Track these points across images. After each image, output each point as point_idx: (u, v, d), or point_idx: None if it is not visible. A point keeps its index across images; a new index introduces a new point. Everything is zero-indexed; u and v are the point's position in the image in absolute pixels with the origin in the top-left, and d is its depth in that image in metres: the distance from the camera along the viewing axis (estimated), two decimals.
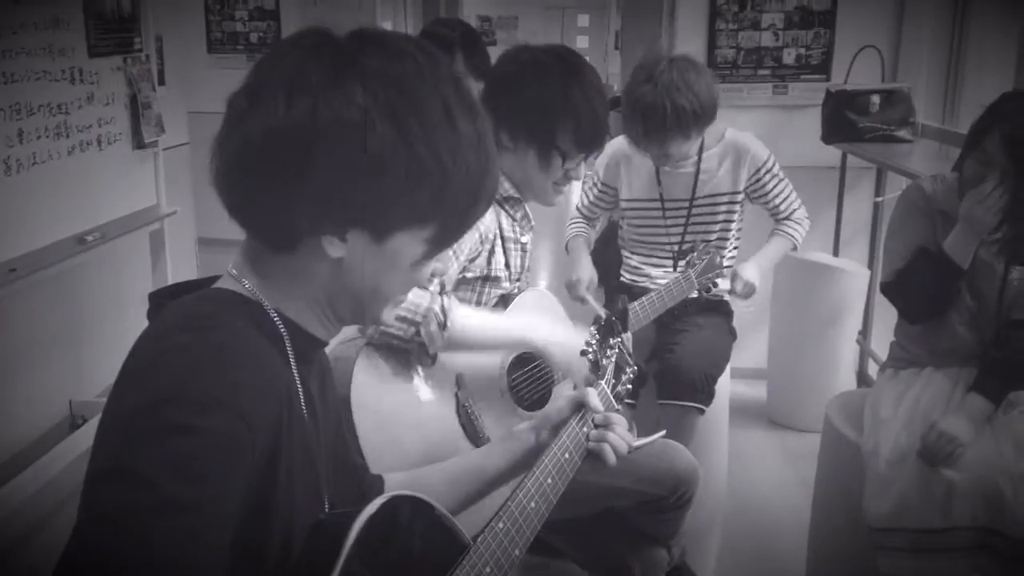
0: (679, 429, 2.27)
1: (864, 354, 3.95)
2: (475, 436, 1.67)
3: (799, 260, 3.71)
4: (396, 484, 1.29)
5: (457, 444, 1.64)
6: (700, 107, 2.35)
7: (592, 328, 1.44)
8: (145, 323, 0.97)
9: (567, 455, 1.24)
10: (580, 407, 1.30)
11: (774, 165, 2.59)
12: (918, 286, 2.08)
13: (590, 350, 1.40)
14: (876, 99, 3.61)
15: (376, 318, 1.02)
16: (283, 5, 6.32)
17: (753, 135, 2.63)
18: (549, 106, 1.75)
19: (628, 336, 1.95)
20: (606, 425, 1.29)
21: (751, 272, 2.47)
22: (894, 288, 2.14)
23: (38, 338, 3.35)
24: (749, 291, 2.48)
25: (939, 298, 2.06)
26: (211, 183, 0.95)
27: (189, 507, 0.77)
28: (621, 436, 1.29)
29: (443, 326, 1.58)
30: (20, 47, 2.64)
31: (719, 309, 2.61)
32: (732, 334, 2.63)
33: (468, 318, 1.64)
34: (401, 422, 1.59)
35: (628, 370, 1.44)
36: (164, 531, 0.75)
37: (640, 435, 2.01)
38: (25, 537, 2.85)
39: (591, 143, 1.81)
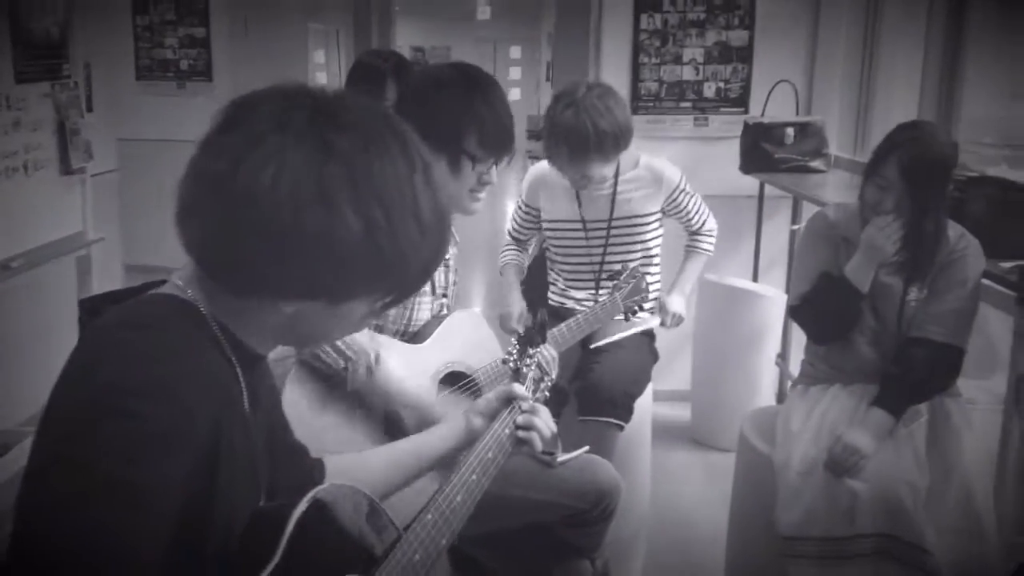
0: (600, 446, 2.35)
1: (783, 375, 4.10)
2: None
3: (720, 285, 3.85)
4: (336, 467, 1.34)
5: (396, 435, 1.69)
6: (619, 130, 2.47)
7: (513, 339, 1.52)
8: (70, 346, 1.00)
9: (490, 454, 1.33)
10: (507, 402, 1.40)
11: (686, 184, 2.74)
12: (822, 309, 2.20)
13: (511, 359, 1.48)
14: (791, 131, 3.78)
15: (313, 351, 1.09)
16: (214, 34, 6.33)
17: (666, 159, 2.76)
18: (453, 113, 1.81)
19: (549, 348, 2.03)
20: (532, 412, 1.39)
21: (677, 304, 2.63)
22: (800, 311, 2.26)
23: None
24: (678, 322, 2.63)
25: (842, 320, 2.19)
26: (174, 220, 0.98)
27: (130, 488, 0.81)
28: (546, 423, 1.38)
29: (370, 371, 1.65)
30: None
31: (643, 331, 2.71)
32: (653, 355, 2.73)
33: (393, 373, 1.71)
34: (329, 435, 1.65)
35: (546, 379, 1.54)
36: (106, 512, 0.79)
37: (564, 452, 2.08)
38: None
39: (498, 145, 1.87)
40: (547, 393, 1.54)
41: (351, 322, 1.05)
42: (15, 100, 2.97)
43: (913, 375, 2.11)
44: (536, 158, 2.77)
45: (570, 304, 2.75)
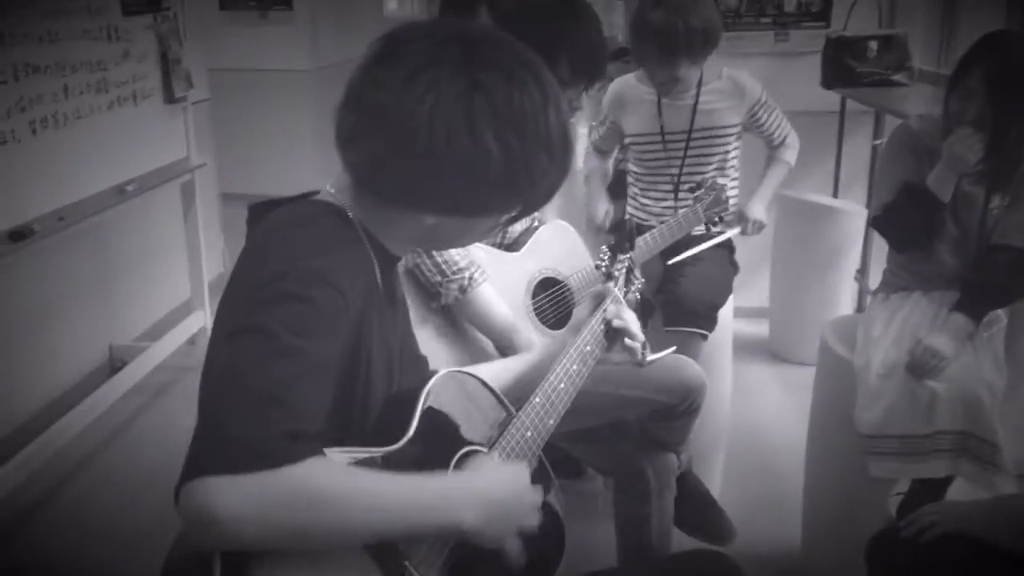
0: (685, 354, 2.46)
1: (862, 291, 4.13)
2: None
3: (799, 201, 3.88)
4: None
5: (483, 358, 1.84)
6: (709, 27, 2.53)
7: (604, 246, 1.64)
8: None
9: (588, 347, 1.45)
10: (600, 299, 1.52)
11: (767, 99, 2.78)
12: (904, 219, 2.25)
13: (603, 263, 1.60)
14: (874, 45, 3.75)
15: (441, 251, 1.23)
16: None
17: (747, 74, 2.80)
18: (548, 38, 1.84)
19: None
20: (621, 307, 1.52)
21: (757, 210, 2.67)
22: (883, 222, 2.31)
23: (79, 285, 3.54)
24: (758, 228, 2.68)
25: (924, 229, 2.23)
26: (335, 143, 1.14)
27: (304, 354, 0.96)
28: (633, 319, 1.52)
29: (464, 290, 1.78)
30: (61, 7, 2.80)
31: (722, 243, 2.79)
32: (734, 267, 2.82)
33: (482, 297, 1.85)
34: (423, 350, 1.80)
35: (636, 281, 1.65)
36: (282, 369, 0.94)
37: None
38: (70, 477, 3.07)
39: (588, 72, 1.95)
40: (638, 295, 1.65)
41: (480, 232, 1.20)
42: (123, 32, 3.13)
43: (994, 280, 2.16)
44: (610, 78, 2.84)
45: (648, 216, 2.84)
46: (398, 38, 1.10)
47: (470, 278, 1.81)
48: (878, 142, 4.00)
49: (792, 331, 4.00)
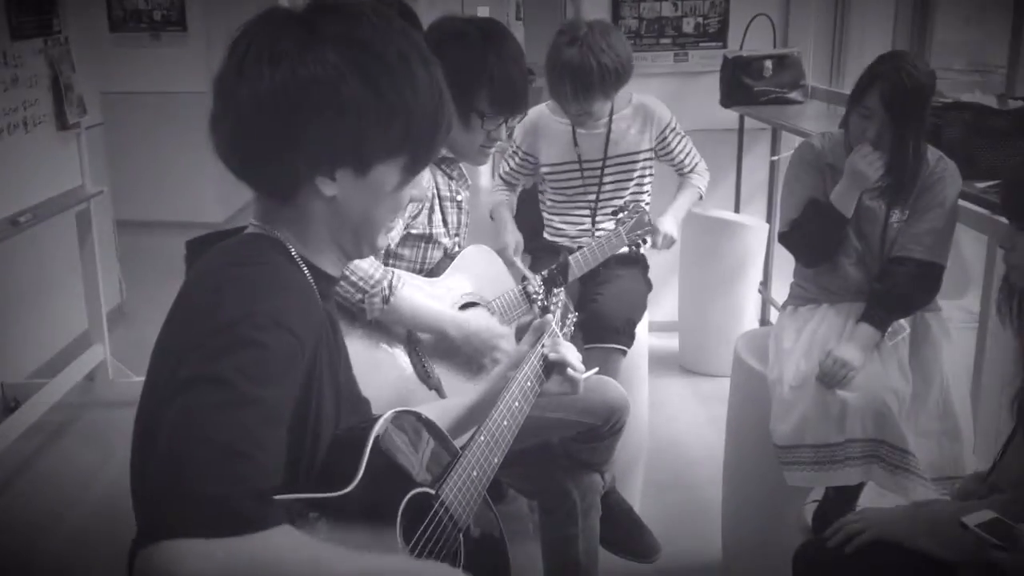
0: (604, 371, 2.48)
1: (766, 303, 4.25)
2: (425, 376, 1.85)
3: (704, 217, 3.97)
4: None
5: (413, 391, 1.81)
6: (622, 66, 2.58)
7: (537, 279, 1.64)
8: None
9: (529, 383, 1.45)
10: (539, 336, 1.51)
11: (676, 124, 2.85)
12: (810, 234, 2.33)
13: (538, 298, 1.60)
14: (769, 64, 3.87)
15: (374, 245, 1.18)
16: None
17: (656, 98, 2.86)
18: (467, 70, 1.89)
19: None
20: (561, 361, 1.50)
21: (669, 225, 2.72)
22: (789, 237, 2.38)
23: None
24: (669, 243, 2.73)
25: (829, 243, 2.31)
26: (216, 153, 1.11)
27: (260, 402, 0.93)
28: (573, 352, 1.51)
29: (386, 300, 1.76)
30: None
31: (636, 261, 2.83)
32: (648, 284, 2.86)
33: (407, 302, 1.82)
34: (359, 368, 1.76)
35: (571, 315, 1.66)
36: (244, 421, 0.91)
37: None
38: None
39: (508, 105, 1.97)
40: (572, 328, 1.65)
41: (386, 193, 1.14)
42: (12, 57, 3.00)
43: (897, 291, 2.25)
44: None
45: (565, 240, 2.86)
46: (241, 35, 1.10)
47: (390, 285, 1.79)
48: (776, 158, 4.14)
49: (702, 344, 4.09)
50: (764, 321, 4.29)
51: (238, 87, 1.06)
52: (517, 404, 1.41)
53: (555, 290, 1.62)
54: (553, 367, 1.50)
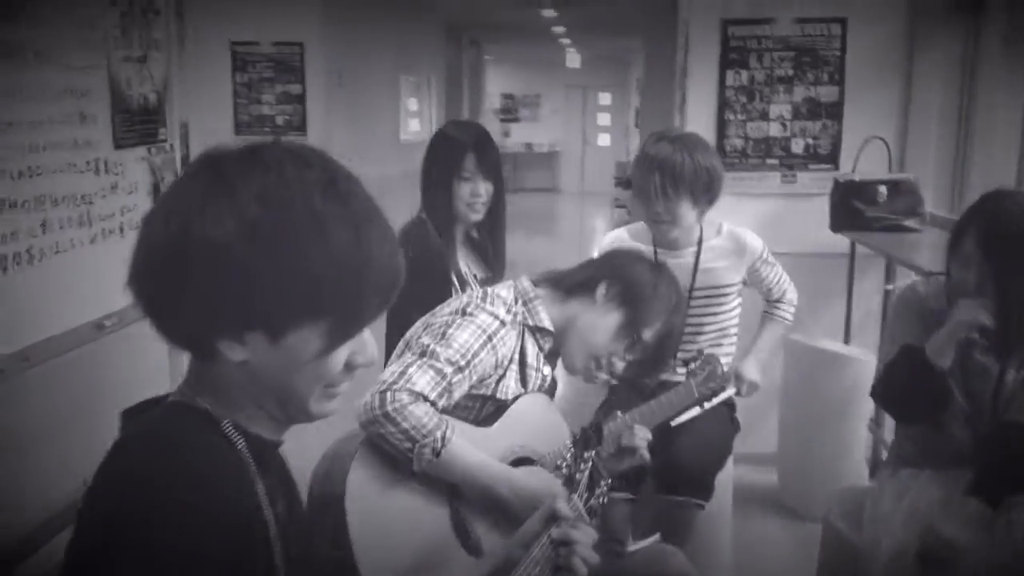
0: (678, 524, 2.28)
1: (876, 442, 3.93)
2: (467, 541, 1.69)
3: (808, 347, 3.73)
4: None
5: (449, 549, 1.66)
6: (714, 171, 2.46)
7: (567, 442, 1.46)
8: None
9: (537, 569, 1.27)
10: (551, 520, 1.33)
11: (768, 255, 2.67)
12: (902, 388, 2.09)
13: (564, 464, 1.42)
14: (883, 189, 3.65)
15: (306, 412, 1.04)
16: (309, 89, 6.52)
17: (748, 229, 2.69)
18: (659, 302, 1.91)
19: (642, 429, 1.98)
20: (571, 541, 1.31)
21: (752, 371, 2.53)
22: (881, 389, 2.15)
23: (53, 420, 3.41)
24: (752, 390, 2.53)
25: (921, 400, 2.06)
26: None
27: None
28: (587, 541, 1.32)
29: (437, 453, 1.62)
30: (47, 141, 2.75)
31: (723, 400, 2.63)
32: (735, 425, 2.64)
33: (458, 455, 1.67)
34: (394, 520, 1.62)
35: (603, 483, 1.47)
36: None
37: (637, 533, 2.02)
38: None
39: (655, 353, 1.96)
40: (603, 500, 1.47)
41: (305, 361, 1.00)
42: (113, 165, 3.07)
43: (1013, 462, 1.98)
44: (622, 206, 2.74)
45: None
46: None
47: (442, 437, 1.64)
48: (891, 287, 3.87)
49: (804, 482, 3.78)
50: (875, 461, 3.95)
51: (143, 233, 0.99)
52: None
53: (585, 454, 1.44)
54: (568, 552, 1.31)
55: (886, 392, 2.13)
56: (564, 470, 1.41)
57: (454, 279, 2.45)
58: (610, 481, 1.48)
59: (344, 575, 1.51)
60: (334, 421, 1.48)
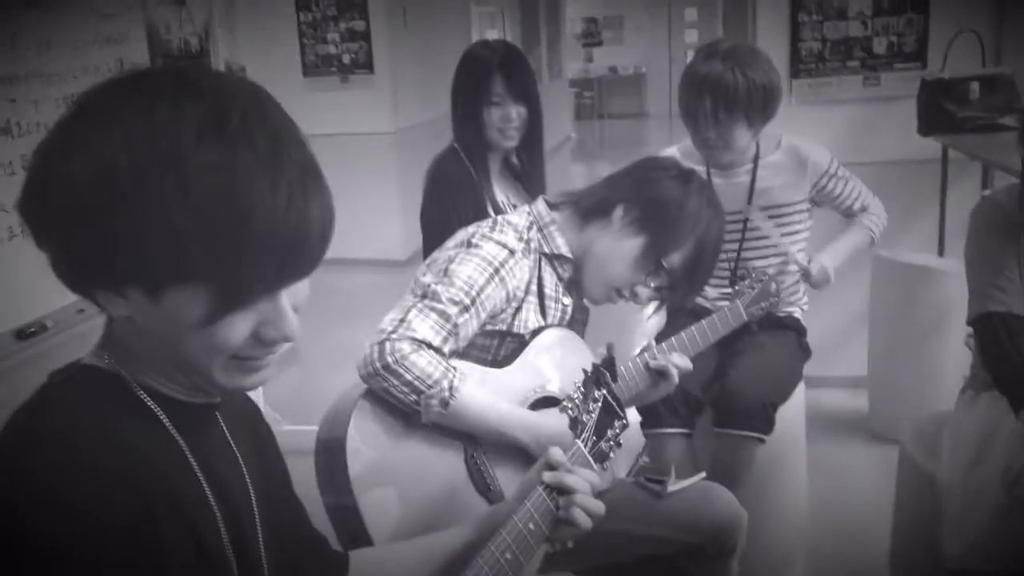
0: (737, 459, 2.13)
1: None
2: (484, 487, 1.57)
3: (898, 263, 3.48)
4: (362, 565, 1.22)
5: (465, 495, 1.55)
6: (771, 86, 2.22)
7: (576, 382, 1.31)
8: None
9: (531, 525, 1.15)
10: (547, 468, 1.21)
11: (838, 168, 2.41)
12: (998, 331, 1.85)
13: (570, 405, 1.27)
14: (976, 86, 3.34)
15: (212, 383, 0.91)
16: (373, 25, 6.40)
17: (814, 141, 2.45)
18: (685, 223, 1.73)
19: (682, 357, 1.84)
20: (568, 489, 1.19)
21: (827, 260, 2.31)
22: (982, 327, 1.91)
23: None
24: (823, 278, 2.30)
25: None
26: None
27: None
28: (587, 499, 1.19)
29: (446, 404, 1.50)
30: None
31: (790, 325, 2.44)
32: (804, 352, 2.45)
33: (470, 403, 1.53)
34: (402, 468, 1.52)
35: (616, 424, 1.32)
36: None
37: (691, 471, 1.88)
38: None
39: (685, 279, 1.76)
40: (618, 443, 1.32)
41: (186, 326, 0.86)
42: None
43: None
44: None
45: (704, 303, 2.48)
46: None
47: (450, 386, 1.51)
48: (987, 193, 3.56)
49: (895, 407, 3.54)
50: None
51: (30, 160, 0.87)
52: (509, 556, 1.11)
53: (596, 394, 1.29)
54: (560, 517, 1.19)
55: (995, 344, 1.88)
56: (570, 412, 1.26)
57: (490, 211, 2.32)
58: (625, 423, 1.33)
59: (350, 526, 1.43)
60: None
